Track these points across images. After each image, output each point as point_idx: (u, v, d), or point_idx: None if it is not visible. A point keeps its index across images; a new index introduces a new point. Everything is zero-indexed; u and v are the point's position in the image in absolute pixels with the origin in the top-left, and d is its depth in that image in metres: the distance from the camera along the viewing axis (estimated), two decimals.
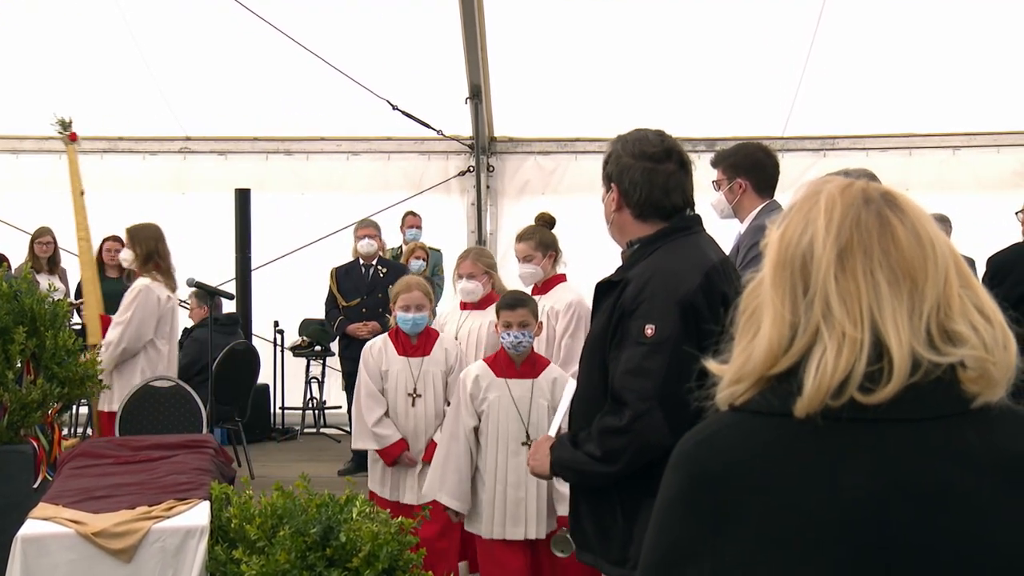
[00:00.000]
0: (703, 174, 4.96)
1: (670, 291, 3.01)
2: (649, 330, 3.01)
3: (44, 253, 9.89)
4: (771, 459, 1.45)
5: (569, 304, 5.91)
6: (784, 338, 1.47)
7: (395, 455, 5.63)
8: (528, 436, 4.93)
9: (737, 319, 1.53)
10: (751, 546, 1.42)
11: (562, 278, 6.13)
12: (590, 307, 5.53)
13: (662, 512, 1.50)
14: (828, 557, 1.40)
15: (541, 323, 4.91)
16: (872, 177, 3.06)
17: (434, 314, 5.98)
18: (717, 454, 1.48)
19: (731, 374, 1.50)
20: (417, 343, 5.69)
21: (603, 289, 3.29)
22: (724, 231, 7.39)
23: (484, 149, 10.77)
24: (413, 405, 5.62)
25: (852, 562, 1.40)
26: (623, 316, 3.10)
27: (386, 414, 5.68)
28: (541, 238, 6.13)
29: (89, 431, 9.58)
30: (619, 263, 3.34)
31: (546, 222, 6.33)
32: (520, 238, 6.21)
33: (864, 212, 1.50)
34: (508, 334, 4.91)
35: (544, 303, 5.86)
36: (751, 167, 4.79)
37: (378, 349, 5.73)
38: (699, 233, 3.26)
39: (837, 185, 1.55)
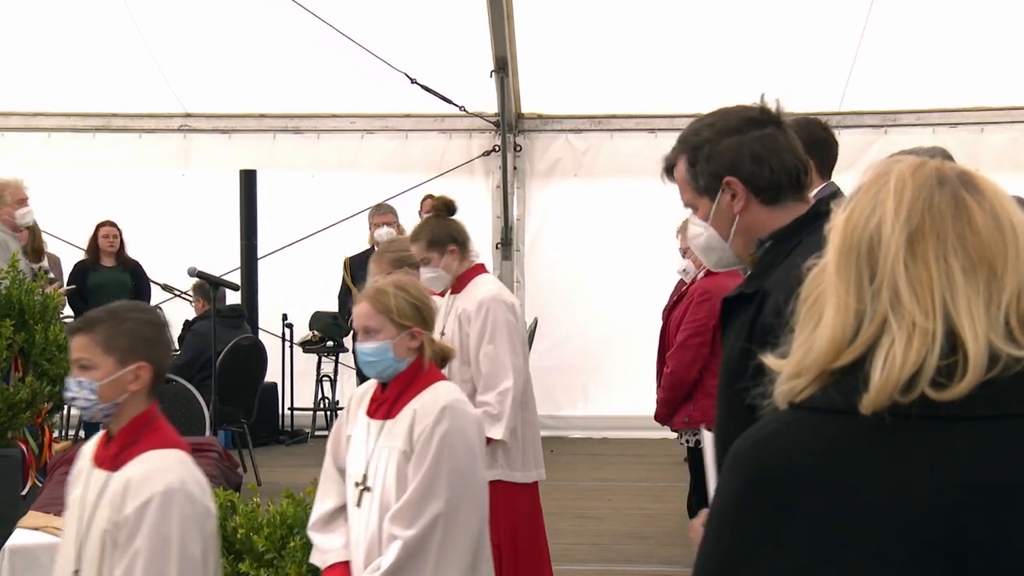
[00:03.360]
0: None
1: None
2: None
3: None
4: (834, 459, 1.46)
5: (480, 303, 5.18)
6: (848, 328, 1.48)
7: None
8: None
9: (798, 309, 1.54)
10: (812, 551, 1.43)
11: (478, 270, 5.41)
12: (509, 302, 5.21)
13: (718, 517, 1.53)
14: (894, 561, 1.41)
15: None
16: (947, 157, 2.95)
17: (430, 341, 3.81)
18: (775, 455, 1.49)
19: (790, 368, 1.51)
20: (387, 394, 3.73)
21: (733, 305, 2.80)
22: None
23: (511, 127, 10.76)
24: (359, 504, 3.71)
25: (919, 566, 1.41)
26: (766, 337, 2.53)
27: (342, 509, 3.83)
28: (431, 237, 5.33)
29: (82, 433, 9.63)
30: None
31: (444, 207, 5.49)
32: (411, 239, 5.50)
33: (937, 194, 1.51)
34: None
35: (457, 304, 5.27)
36: (815, 145, 4.74)
37: (358, 398, 3.90)
38: None
39: (908, 164, 1.55)
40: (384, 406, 3.70)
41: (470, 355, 5.17)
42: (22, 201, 8.22)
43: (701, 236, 2.90)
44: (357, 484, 3.71)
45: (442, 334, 5.23)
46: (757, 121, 2.86)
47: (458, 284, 5.35)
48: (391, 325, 3.63)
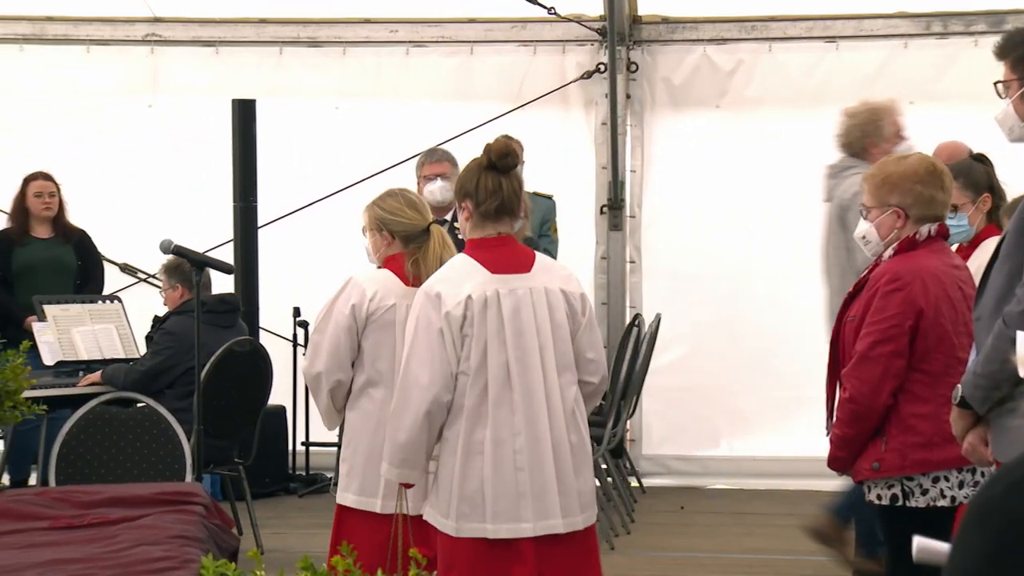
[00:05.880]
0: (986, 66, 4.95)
1: None
2: None
3: None
4: None
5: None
6: None
7: None
8: None
9: None
10: None
11: (466, 247, 5.68)
12: (435, 293, 5.31)
13: None
14: None
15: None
16: None
17: None
18: None
19: None
20: None
21: None
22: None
23: (622, 37, 10.76)
24: None
25: None
26: None
27: None
28: (457, 182, 5.68)
29: (5, 479, 9.74)
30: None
31: (486, 155, 5.49)
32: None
33: None
34: None
35: None
36: None
37: None
38: None
39: None
40: None
41: None
42: (900, 132, 7.81)
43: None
44: None
45: None
46: None
47: None
48: None
